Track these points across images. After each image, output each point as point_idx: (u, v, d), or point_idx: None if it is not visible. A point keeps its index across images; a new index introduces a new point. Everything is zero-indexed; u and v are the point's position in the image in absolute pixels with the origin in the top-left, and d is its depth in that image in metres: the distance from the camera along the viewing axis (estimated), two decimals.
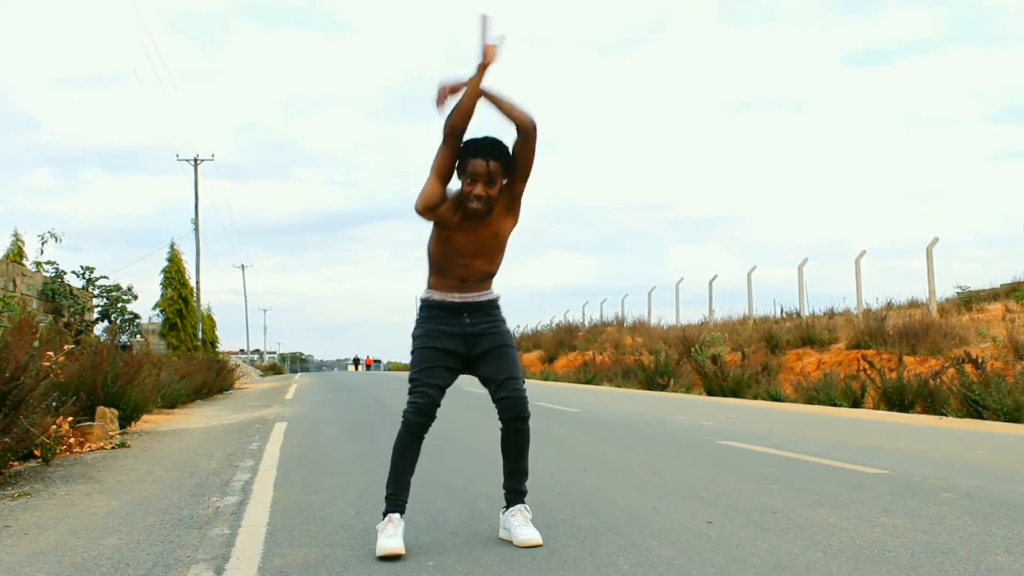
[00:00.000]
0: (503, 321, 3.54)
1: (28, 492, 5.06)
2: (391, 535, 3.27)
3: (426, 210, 3.33)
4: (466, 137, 3.34)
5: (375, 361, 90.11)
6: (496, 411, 3.47)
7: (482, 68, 3.29)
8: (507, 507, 3.52)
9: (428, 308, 3.48)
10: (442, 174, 3.33)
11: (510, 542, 3.41)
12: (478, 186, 3.28)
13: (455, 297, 3.44)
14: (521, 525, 3.41)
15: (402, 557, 3.21)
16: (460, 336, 3.42)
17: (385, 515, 3.33)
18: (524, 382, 3.51)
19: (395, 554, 3.21)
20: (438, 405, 3.39)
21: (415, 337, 3.48)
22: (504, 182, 3.35)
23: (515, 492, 3.52)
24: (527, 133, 3.30)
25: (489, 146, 3.31)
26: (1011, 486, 4.61)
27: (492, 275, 3.52)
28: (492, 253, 3.46)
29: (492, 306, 3.51)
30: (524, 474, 3.55)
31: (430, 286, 3.49)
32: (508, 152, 3.32)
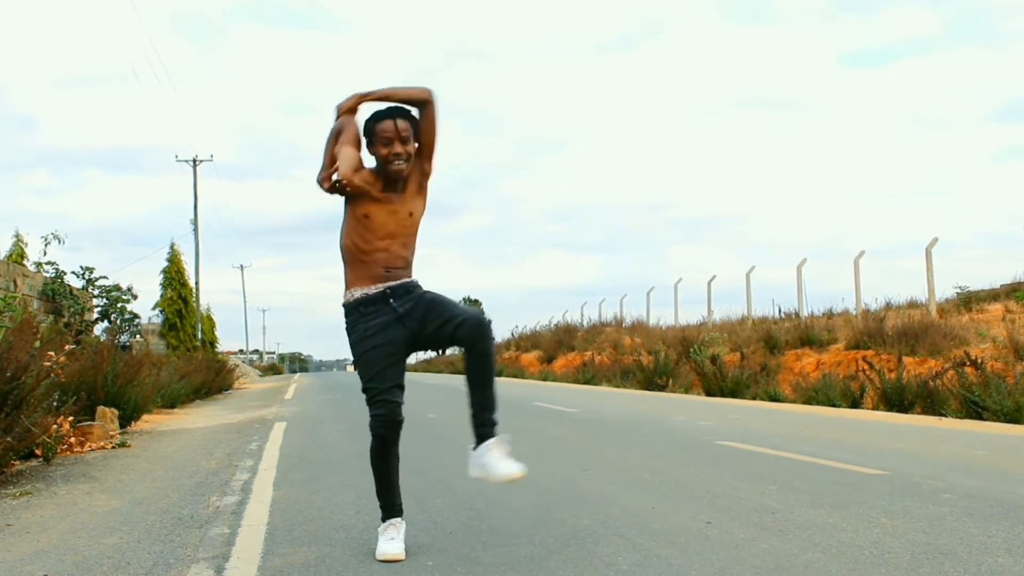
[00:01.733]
0: (425, 291, 3.40)
1: (29, 491, 5.07)
2: (391, 538, 3.27)
3: (351, 172, 3.25)
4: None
5: None
6: (463, 348, 3.30)
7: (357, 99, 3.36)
8: (477, 443, 3.26)
9: (353, 309, 3.34)
10: (351, 140, 3.32)
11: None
12: (395, 144, 3.26)
13: (374, 288, 3.30)
14: (499, 459, 3.19)
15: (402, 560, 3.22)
16: (394, 321, 3.29)
17: (384, 520, 3.34)
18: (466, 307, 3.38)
19: (395, 559, 3.21)
20: (401, 405, 3.27)
21: (353, 345, 3.34)
22: (416, 147, 3.32)
23: (487, 425, 3.27)
24: (425, 104, 3.31)
25: (392, 108, 3.30)
26: (1011, 487, 4.62)
27: (409, 263, 3.40)
28: (408, 237, 3.38)
29: (413, 286, 3.38)
30: (494, 404, 3.30)
31: (349, 285, 3.36)
32: (411, 114, 3.32)
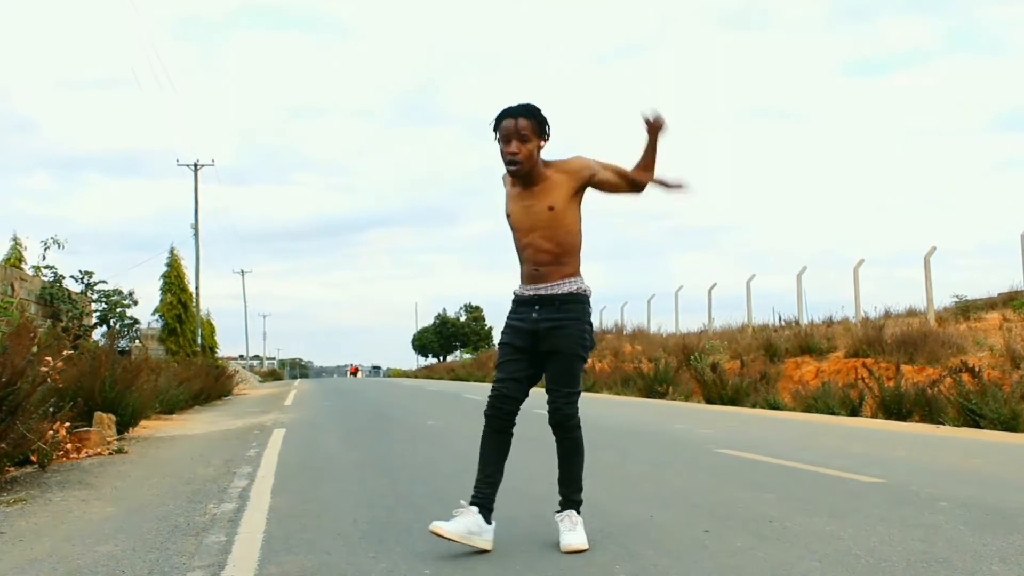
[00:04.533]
0: (575, 320, 3.43)
1: (24, 498, 5.05)
2: (452, 518, 3.32)
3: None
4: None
5: (375, 367, 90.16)
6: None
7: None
8: (559, 510, 3.55)
9: (512, 302, 3.58)
10: None
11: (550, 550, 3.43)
12: (511, 144, 3.35)
13: (528, 290, 3.47)
14: (565, 531, 3.42)
15: (452, 541, 3.29)
16: (526, 331, 3.45)
17: (470, 503, 3.40)
18: (574, 390, 3.50)
19: (440, 533, 3.27)
20: (513, 398, 3.46)
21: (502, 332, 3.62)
22: (543, 143, 3.40)
23: (564, 498, 3.55)
24: (635, 191, 3.58)
25: (516, 107, 3.38)
26: (1007, 495, 4.61)
27: (559, 258, 3.42)
28: (549, 229, 3.40)
29: (566, 300, 3.42)
30: (572, 481, 3.55)
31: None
32: (538, 112, 3.39)
